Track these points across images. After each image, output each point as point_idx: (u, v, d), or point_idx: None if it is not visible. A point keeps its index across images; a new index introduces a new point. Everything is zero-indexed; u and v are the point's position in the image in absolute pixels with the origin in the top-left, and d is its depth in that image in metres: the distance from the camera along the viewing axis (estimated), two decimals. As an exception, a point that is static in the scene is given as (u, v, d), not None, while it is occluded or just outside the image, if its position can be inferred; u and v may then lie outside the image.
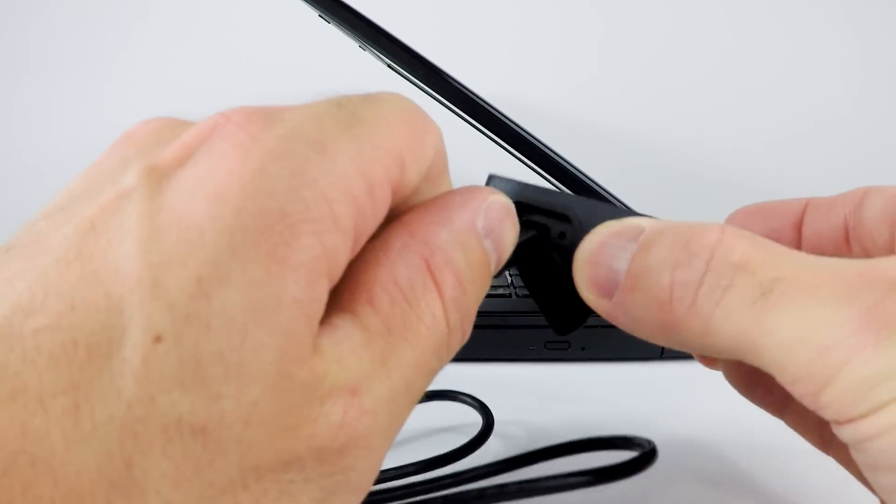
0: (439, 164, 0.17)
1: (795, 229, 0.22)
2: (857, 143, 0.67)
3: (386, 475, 0.30)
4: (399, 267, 0.15)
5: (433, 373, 0.16)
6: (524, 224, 0.20)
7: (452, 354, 0.16)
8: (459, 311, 0.16)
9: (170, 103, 0.80)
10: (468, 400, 0.33)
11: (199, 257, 0.12)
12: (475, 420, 0.32)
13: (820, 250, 0.21)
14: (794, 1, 0.66)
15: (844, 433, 0.14)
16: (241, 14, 0.74)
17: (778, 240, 0.21)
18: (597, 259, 0.18)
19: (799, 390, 0.15)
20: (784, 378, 0.15)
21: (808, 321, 0.14)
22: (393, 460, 0.31)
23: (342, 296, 0.15)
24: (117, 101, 0.76)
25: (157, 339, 0.12)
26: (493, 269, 0.17)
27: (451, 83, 0.31)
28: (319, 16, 0.32)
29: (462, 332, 0.16)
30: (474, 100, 0.31)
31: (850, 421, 0.14)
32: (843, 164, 0.68)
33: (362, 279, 0.15)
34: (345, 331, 0.14)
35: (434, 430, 0.33)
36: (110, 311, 0.12)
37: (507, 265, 0.20)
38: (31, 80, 0.79)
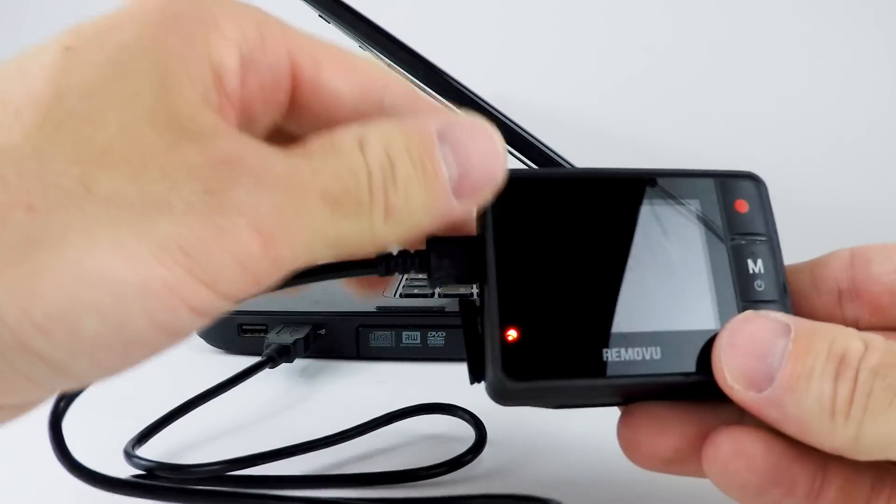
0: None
1: None
2: (859, 145, 0.67)
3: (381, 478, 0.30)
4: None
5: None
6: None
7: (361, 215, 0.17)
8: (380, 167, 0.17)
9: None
10: (461, 413, 0.33)
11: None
12: (467, 431, 0.32)
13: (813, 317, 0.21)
14: (794, 3, 0.66)
15: None
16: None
17: None
18: (747, 351, 0.18)
19: None
20: None
21: None
22: (390, 467, 0.31)
23: None
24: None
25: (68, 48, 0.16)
26: (451, 184, 0.18)
27: (452, 83, 0.31)
28: (319, 16, 0.32)
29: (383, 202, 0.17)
30: (474, 100, 0.31)
31: None
32: (847, 165, 0.67)
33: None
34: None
35: (426, 439, 0.33)
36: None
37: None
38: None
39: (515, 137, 0.31)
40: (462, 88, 0.31)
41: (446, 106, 0.32)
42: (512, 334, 0.19)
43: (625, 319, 0.20)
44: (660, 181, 0.22)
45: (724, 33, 0.67)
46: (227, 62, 0.17)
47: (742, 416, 0.20)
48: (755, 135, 0.68)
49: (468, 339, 0.21)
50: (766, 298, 0.21)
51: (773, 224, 0.22)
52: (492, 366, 0.19)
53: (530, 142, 0.32)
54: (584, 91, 0.68)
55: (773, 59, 0.67)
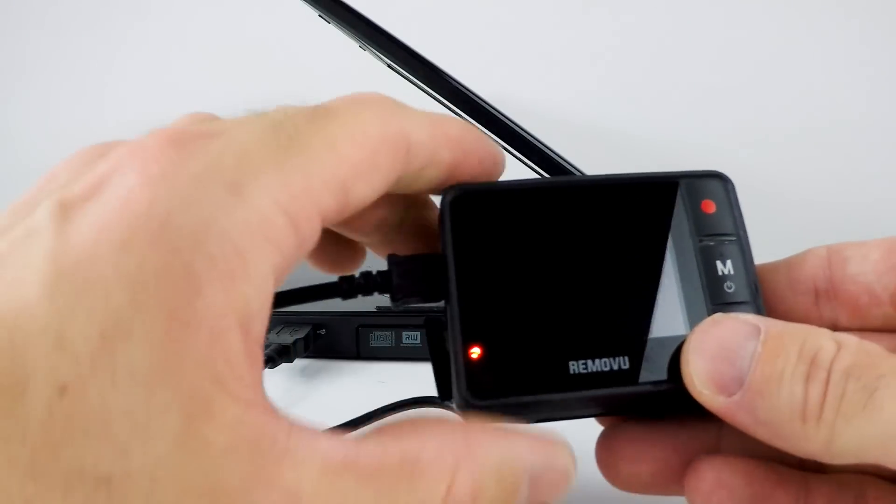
0: (437, 154, 0.18)
1: None
2: (856, 142, 0.67)
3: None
4: None
5: None
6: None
7: None
8: None
9: (168, 103, 0.80)
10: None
11: (103, 310, 0.12)
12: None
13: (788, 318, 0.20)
14: (793, 1, 0.66)
15: None
16: (240, 14, 0.74)
17: None
18: (715, 354, 0.18)
19: None
20: None
21: None
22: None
23: None
24: (116, 100, 0.76)
25: (63, 389, 0.12)
26: None
27: (451, 83, 0.31)
28: (319, 16, 0.32)
29: None
30: (474, 100, 0.31)
31: None
32: (845, 164, 0.67)
33: None
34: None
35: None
36: (14, 356, 0.12)
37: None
38: (30, 79, 0.79)
39: (515, 138, 0.31)
40: (462, 88, 0.31)
41: (447, 107, 0.32)
42: (475, 352, 0.19)
43: (590, 330, 0.19)
44: (622, 187, 0.21)
45: (728, 32, 0.67)
46: (252, 307, 0.14)
47: (720, 436, 0.20)
48: (735, 131, 0.67)
49: (434, 357, 0.21)
50: (736, 300, 0.20)
51: (742, 223, 0.21)
52: (457, 384, 0.19)
53: (530, 142, 0.32)
54: (584, 91, 0.68)
55: (776, 58, 0.67)
